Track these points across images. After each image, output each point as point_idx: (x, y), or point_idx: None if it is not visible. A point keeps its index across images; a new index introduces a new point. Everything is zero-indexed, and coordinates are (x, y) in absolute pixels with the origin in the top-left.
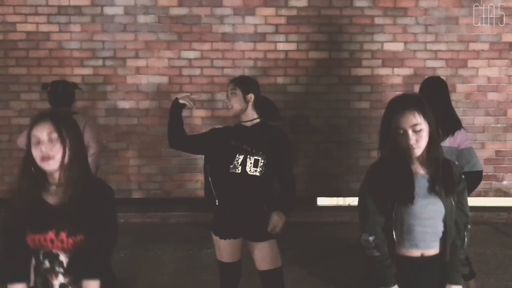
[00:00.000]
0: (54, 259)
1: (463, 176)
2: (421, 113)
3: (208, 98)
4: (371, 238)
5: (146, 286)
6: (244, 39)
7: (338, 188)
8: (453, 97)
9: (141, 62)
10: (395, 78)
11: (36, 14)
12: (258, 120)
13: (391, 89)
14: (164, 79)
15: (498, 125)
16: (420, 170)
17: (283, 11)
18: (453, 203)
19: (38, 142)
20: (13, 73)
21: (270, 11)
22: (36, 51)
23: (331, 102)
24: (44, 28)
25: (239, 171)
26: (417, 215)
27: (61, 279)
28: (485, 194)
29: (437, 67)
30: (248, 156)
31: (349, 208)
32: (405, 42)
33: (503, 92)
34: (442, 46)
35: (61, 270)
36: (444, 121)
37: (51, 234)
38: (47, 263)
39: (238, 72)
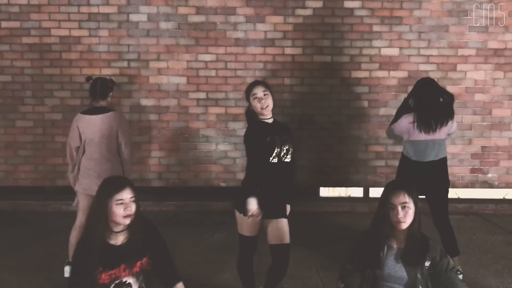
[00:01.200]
0: (123, 285)
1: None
2: (410, 195)
3: (222, 97)
4: (341, 286)
5: None
6: (255, 44)
7: (339, 179)
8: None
9: (162, 64)
10: (391, 80)
11: (69, 20)
12: (272, 118)
13: (387, 90)
14: (183, 80)
15: (484, 123)
16: (395, 245)
17: (291, 19)
18: (418, 275)
19: (123, 203)
20: (47, 73)
21: (278, 19)
22: (68, 53)
23: (333, 101)
24: (75, 33)
25: (276, 160)
26: (385, 278)
27: None
28: (472, 185)
29: (429, 70)
30: (282, 147)
31: (349, 199)
32: (400, 48)
33: (488, 93)
34: (434, 52)
35: None
36: (438, 113)
37: (123, 266)
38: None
39: (249, 74)
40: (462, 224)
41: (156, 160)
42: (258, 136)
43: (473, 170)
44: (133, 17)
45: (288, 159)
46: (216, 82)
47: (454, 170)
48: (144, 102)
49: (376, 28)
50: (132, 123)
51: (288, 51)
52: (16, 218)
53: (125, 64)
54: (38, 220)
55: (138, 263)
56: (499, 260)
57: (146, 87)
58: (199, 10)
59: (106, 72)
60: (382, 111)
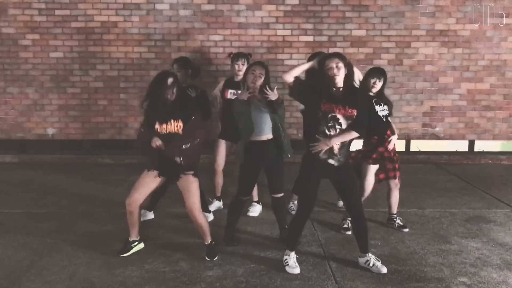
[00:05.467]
0: (335, 120)
1: None
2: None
3: (228, 69)
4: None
5: None
6: (254, 27)
7: None
8: (401, 68)
9: (181, 43)
10: (360, 55)
11: (108, 8)
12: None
13: (357, 63)
14: (198, 55)
15: (432, 88)
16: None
17: (281, 7)
18: None
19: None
20: (91, 50)
21: (272, 7)
22: (107, 35)
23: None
24: (113, 18)
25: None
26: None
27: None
28: (423, 137)
29: (389, 47)
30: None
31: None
32: (367, 30)
33: (435, 65)
34: (393, 32)
35: (338, 127)
36: None
37: (339, 106)
38: (331, 123)
39: (249, 51)
40: (418, 170)
41: None
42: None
43: (424, 125)
44: (158, 6)
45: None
46: (223, 57)
47: (410, 125)
48: None
49: (348, 14)
50: None
51: (279, 32)
52: (61, 168)
53: (152, 43)
54: (80, 170)
55: (348, 109)
56: (437, 190)
57: (169, 61)
58: (210, 0)
59: (137, 49)
60: None
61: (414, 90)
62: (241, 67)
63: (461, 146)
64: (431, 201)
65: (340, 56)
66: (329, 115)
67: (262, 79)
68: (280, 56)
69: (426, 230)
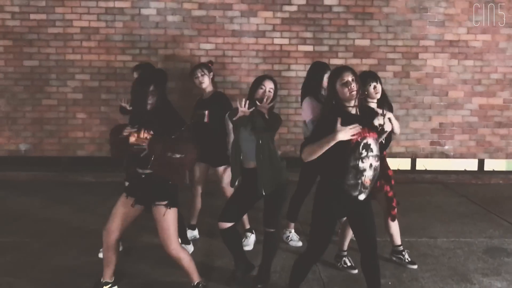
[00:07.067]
0: (368, 147)
1: None
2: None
3: (220, 80)
4: None
5: None
6: (248, 35)
7: None
8: (407, 81)
9: (169, 52)
10: (363, 66)
11: (89, 13)
12: None
13: None
14: (187, 65)
15: (442, 103)
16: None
17: (279, 14)
18: None
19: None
20: (69, 58)
21: (268, 14)
22: (88, 42)
23: None
24: (94, 24)
25: None
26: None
27: (371, 160)
28: (431, 156)
29: (395, 59)
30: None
31: None
32: (371, 39)
33: (445, 78)
34: (399, 43)
35: (371, 153)
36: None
37: (367, 129)
38: (364, 152)
39: (244, 61)
40: (425, 191)
41: None
42: None
43: (432, 143)
44: (144, 11)
45: None
46: (215, 67)
47: (416, 142)
48: None
49: (350, 22)
50: None
51: (276, 41)
52: (36, 187)
53: (137, 51)
54: (56, 189)
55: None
56: (447, 214)
57: None
58: (201, 5)
59: (120, 58)
60: None
61: (422, 105)
62: (202, 79)
63: (470, 164)
64: (443, 228)
65: (351, 69)
66: (362, 144)
67: (272, 97)
68: (277, 67)
69: (441, 265)
